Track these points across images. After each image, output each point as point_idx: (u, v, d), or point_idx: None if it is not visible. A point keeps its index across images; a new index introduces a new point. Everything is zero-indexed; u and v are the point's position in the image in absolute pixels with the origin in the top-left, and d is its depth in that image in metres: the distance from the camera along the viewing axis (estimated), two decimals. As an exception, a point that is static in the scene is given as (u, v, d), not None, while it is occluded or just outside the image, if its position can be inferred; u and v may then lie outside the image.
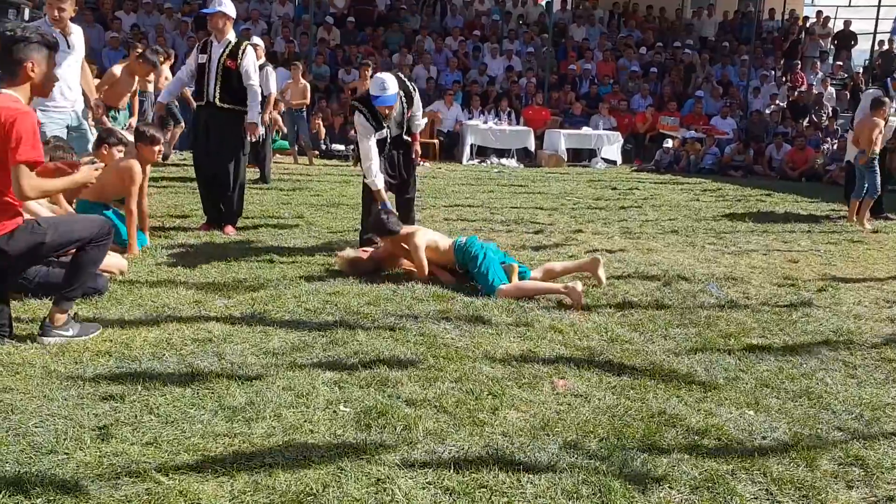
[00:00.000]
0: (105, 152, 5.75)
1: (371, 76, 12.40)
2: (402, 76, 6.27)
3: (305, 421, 3.07)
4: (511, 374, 3.69)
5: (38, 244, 3.75)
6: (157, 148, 5.86)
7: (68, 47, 6.09)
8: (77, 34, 6.22)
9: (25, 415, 3.00)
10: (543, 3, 18.23)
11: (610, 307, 4.95)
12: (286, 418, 3.08)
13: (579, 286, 4.97)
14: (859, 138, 8.90)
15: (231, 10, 6.57)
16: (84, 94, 6.50)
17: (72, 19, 6.16)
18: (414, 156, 6.42)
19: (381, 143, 6.05)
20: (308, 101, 12.60)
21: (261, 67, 9.95)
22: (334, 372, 3.57)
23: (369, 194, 6.11)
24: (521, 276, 5.26)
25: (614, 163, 15.37)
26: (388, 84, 5.83)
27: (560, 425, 3.15)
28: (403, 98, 6.11)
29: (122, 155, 5.92)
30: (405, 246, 5.50)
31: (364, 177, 6.00)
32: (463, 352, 3.95)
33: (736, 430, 3.19)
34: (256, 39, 10.51)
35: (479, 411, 3.24)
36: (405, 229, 5.54)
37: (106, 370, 3.49)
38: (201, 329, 4.10)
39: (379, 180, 5.90)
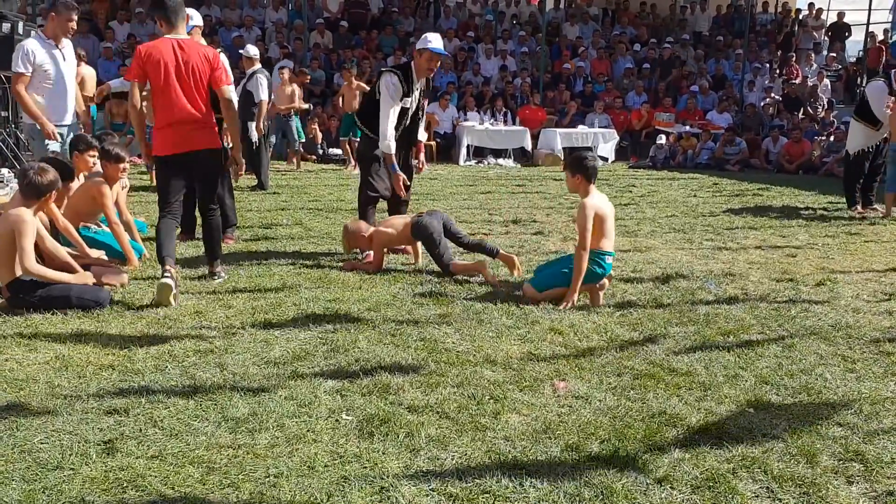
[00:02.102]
0: (76, 159, 5.76)
1: (356, 77, 12.52)
2: None
3: (308, 430, 3.09)
4: (512, 378, 3.71)
5: (221, 166, 5.49)
6: (122, 166, 5.76)
7: (64, 60, 6.13)
8: (69, 47, 6.27)
9: (30, 431, 3.03)
10: (536, 3, 18.23)
11: (609, 307, 4.98)
12: (289, 428, 3.10)
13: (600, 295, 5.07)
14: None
15: (201, 21, 6.65)
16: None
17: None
18: (420, 165, 6.53)
19: (403, 112, 6.06)
20: (297, 105, 12.52)
21: (252, 74, 9.99)
22: (336, 380, 3.59)
23: (365, 196, 6.16)
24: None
25: (606, 160, 15.42)
26: (436, 37, 6.03)
27: (561, 428, 3.18)
28: (423, 89, 6.24)
29: (95, 160, 5.90)
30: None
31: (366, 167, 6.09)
32: (464, 356, 3.97)
33: (736, 429, 3.21)
34: (251, 49, 10.51)
35: (481, 416, 3.26)
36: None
37: (109, 384, 3.51)
38: (203, 340, 4.12)
39: (392, 145, 5.96)
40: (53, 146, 6.02)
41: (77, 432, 3.02)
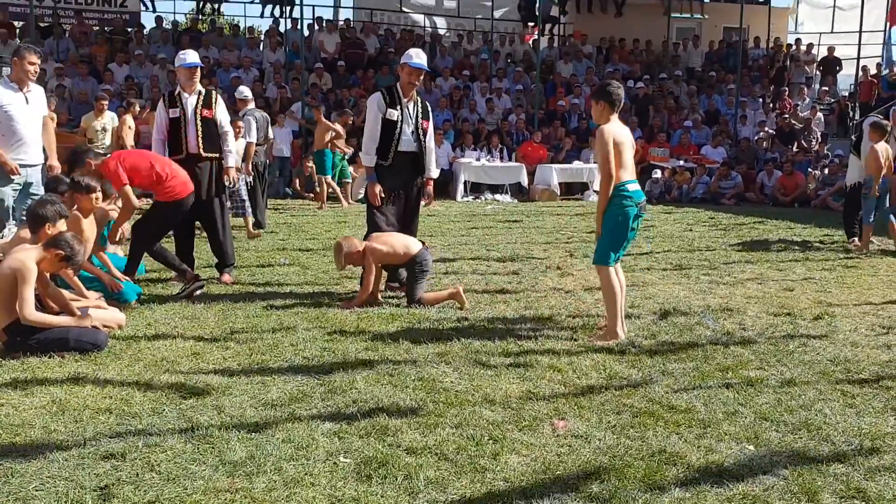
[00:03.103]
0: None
1: (324, 116, 12.66)
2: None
3: (306, 473, 3.06)
4: (511, 417, 3.69)
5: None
6: (94, 195, 5.75)
7: (27, 103, 6.26)
8: (36, 92, 6.41)
9: (25, 478, 3.00)
10: (530, 42, 18.49)
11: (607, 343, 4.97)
12: (287, 472, 3.08)
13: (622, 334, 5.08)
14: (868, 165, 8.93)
15: (197, 60, 6.74)
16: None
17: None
18: (426, 199, 6.51)
19: (391, 126, 6.12)
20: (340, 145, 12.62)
21: (243, 115, 10.09)
22: (333, 422, 3.57)
23: (369, 232, 6.18)
24: None
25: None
26: (420, 53, 6.20)
27: (561, 468, 3.16)
28: (420, 109, 6.27)
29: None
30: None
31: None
32: (462, 396, 3.96)
33: (737, 467, 3.19)
34: (244, 90, 10.64)
35: (480, 457, 3.24)
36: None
37: (106, 428, 3.49)
38: (200, 382, 4.10)
39: (370, 158, 6.17)
40: (17, 180, 6.20)
41: (73, 478, 3.00)
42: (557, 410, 3.79)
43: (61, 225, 5.01)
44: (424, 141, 6.28)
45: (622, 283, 5.16)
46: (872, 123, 9.18)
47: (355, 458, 3.21)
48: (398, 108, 6.13)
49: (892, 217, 9.10)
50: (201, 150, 6.56)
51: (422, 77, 6.25)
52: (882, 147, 8.88)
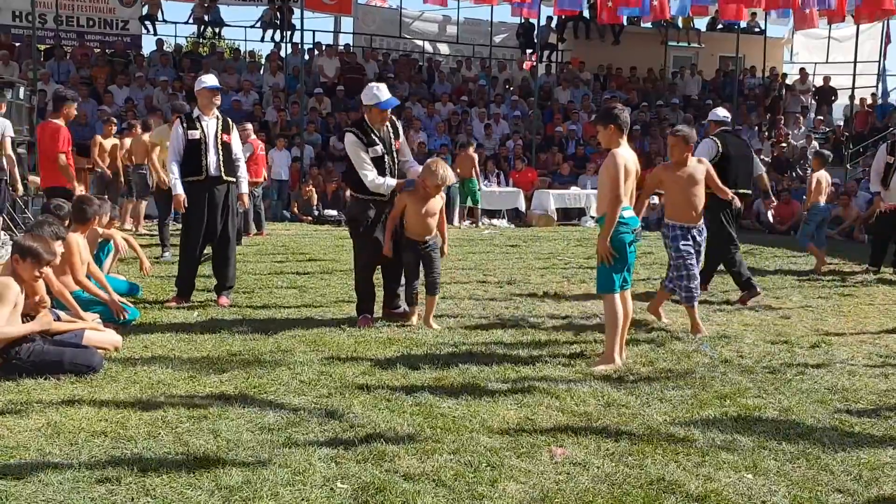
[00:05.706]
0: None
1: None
2: None
3: (303, 500, 3.04)
4: (509, 444, 3.68)
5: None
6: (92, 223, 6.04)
7: None
8: None
9: (20, 501, 2.98)
10: (528, 68, 18.68)
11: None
12: (283, 497, 3.06)
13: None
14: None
15: (216, 82, 6.78)
16: None
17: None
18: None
19: (378, 162, 6.04)
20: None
21: None
22: (331, 447, 3.55)
23: (361, 261, 6.16)
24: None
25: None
26: (380, 88, 6.07)
27: (559, 496, 3.14)
28: (392, 133, 6.20)
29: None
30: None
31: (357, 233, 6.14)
32: (460, 422, 3.94)
33: (735, 495, 3.18)
34: None
35: (478, 484, 3.22)
36: None
37: (101, 451, 3.47)
38: (196, 405, 4.08)
39: (388, 182, 5.96)
40: None
41: (67, 502, 2.97)
42: (555, 437, 3.78)
43: (57, 246, 5.00)
44: (397, 160, 6.22)
45: (628, 312, 5.16)
46: (815, 153, 10.08)
47: (352, 484, 3.19)
48: (378, 142, 6.07)
49: (825, 244, 9.66)
50: (222, 174, 6.60)
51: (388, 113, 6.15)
52: (821, 175, 9.40)
